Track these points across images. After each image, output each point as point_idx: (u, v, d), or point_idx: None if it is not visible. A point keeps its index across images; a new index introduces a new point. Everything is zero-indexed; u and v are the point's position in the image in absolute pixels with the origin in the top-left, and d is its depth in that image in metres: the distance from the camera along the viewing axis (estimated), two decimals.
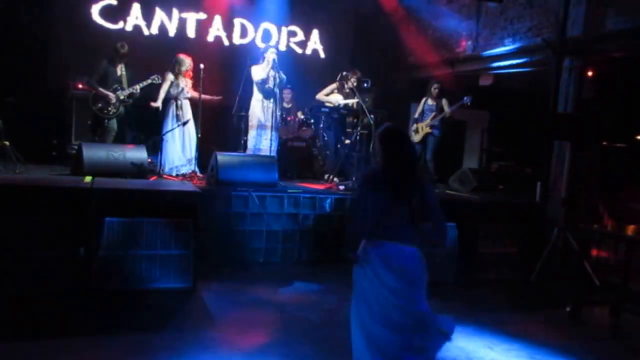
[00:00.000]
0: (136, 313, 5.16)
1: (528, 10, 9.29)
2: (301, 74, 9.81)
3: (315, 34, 11.31)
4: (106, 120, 8.18)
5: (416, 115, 9.72)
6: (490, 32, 10.12)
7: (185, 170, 8.27)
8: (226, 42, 10.63)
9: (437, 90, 9.52)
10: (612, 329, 5.89)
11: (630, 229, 6.21)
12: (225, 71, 9.64)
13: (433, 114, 9.44)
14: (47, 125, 8.95)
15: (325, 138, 9.47)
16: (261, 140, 8.58)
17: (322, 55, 11.40)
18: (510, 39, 9.65)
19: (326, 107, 9.18)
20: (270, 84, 8.53)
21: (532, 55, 9.13)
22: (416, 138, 9.47)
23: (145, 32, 10.02)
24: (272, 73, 8.49)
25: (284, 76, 8.59)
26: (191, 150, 8.36)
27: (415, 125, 9.60)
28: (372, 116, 8.73)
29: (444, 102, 9.42)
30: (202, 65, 8.29)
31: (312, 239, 7.32)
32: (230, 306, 5.56)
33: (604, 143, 8.39)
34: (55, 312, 4.99)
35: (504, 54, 9.75)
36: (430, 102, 9.57)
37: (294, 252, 7.25)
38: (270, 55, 8.52)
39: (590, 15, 8.12)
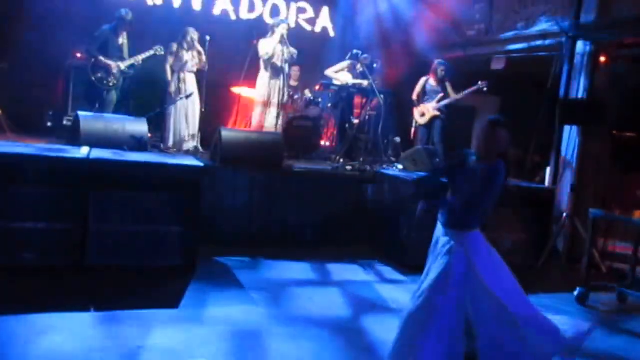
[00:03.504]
0: (131, 290, 4.87)
1: None
2: (310, 52, 9.48)
3: (325, 11, 10.95)
4: (105, 91, 7.86)
5: (415, 97, 9.20)
6: (503, 16, 9.79)
7: (188, 146, 7.96)
8: (233, 17, 10.25)
9: (443, 72, 9.12)
10: (619, 315, 5.81)
11: (638, 215, 6.08)
12: (232, 47, 9.30)
13: (439, 95, 9.04)
14: (42, 95, 8.56)
15: (333, 117, 9.15)
16: (266, 117, 8.29)
17: (332, 33, 11.05)
18: (523, 23, 9.35)
19: (335, 85, 8.86)
20: (278, 60, 8.21)
21: (545, 39, 8.86)
22: (422, 121, 9.09)
23: (149, 2, 9.62)
24: (280, 48, 8.17)
25: (294, 51, 8.29)
26: (195, 126, 8.04)
27: (420, 107, 9.21)
28: (382, 96, 8.43)
29: (448, 84, 9.05)
30: (208, 37, 7.98)
31: (317, 220, 7.04)
32: (228, 285, 5.33)
33: (615, 131, 8.18)
34: (44, 286, 4.72)
35: (517, 38, 9.43)
36: (432, 83, 9.09)
37: (298, 232, 6.98)
38: (281, 30, 8.21)
39: (604, 0, 7.90)
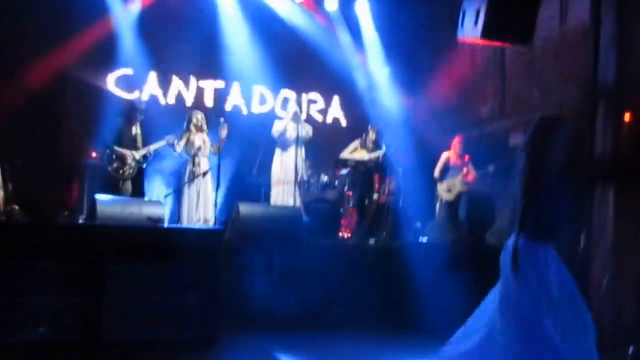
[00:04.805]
0: None
1: (557, 65, 8.98)
2: (323, 142, 9.46)
3: (336, 101, 11.05)
4: (121, 182, 7.81)
5: (438, 173, 8.94)
6: (518, 89, 9.80)
7: None
8: (245, 112, 10.37)
9: (460, 149, 8.98)
10: None
11: None
12: (245, 141, 9.35)
13: (464, 170, 8.85)
14: (57, 194, 8.50)
15: (351, 198, 8.94)
16: (284, 196, 8.15)
17: (343, 122, 11.09)
18: (539, 94, 9.32)
19: (352, 161, 8.74)
20: (291, 138, 8.21)
21: (563, 107, 8.72)
22: (449, 197, 8.84)
23: (162, 101, 9.80)
24: (292, 126, 8.20)
25: (309, 128, 8.31)
26: (206, 210, 7.88)
27: (446, 183, 8.97)
28: (400, 170, 8.31)
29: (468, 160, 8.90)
30: (222, 119, 8.02)
31: (343, 295, 6.64)
32: None
33: None
34: None
35: (534, 108, 9.37)
36: (453, 160, 9.02)
37: (321, 309, 6.53)
38: (291, 108, 8.27)
39: (622, 60, 7.81)
